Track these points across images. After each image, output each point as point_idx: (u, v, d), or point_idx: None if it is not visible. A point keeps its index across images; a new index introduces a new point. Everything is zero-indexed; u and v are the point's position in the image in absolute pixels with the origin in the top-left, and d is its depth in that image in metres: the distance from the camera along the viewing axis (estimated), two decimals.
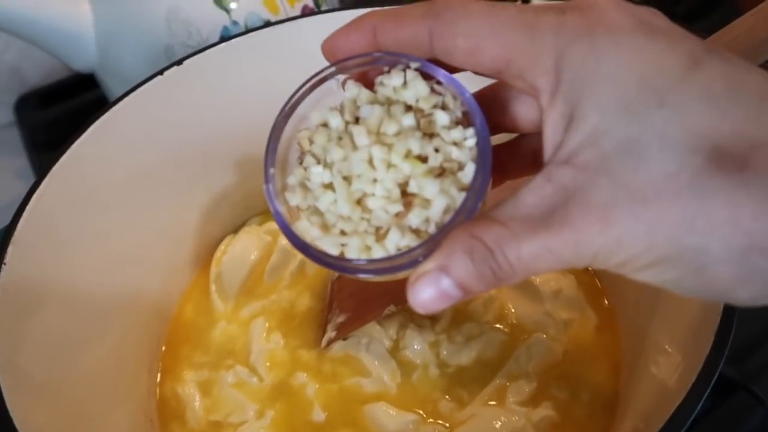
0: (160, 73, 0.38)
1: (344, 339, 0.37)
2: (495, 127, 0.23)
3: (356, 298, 0.38)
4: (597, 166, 0.17)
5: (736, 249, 0.16)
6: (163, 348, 0.40)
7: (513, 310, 0.38)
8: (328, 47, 0.22)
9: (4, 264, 0.29)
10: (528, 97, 0.22)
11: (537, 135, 0.23)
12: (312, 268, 0.42)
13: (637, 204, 0.17)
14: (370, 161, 0.20)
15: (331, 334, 0.37)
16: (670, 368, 0.31)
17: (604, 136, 0.17)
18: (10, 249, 0.30)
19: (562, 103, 0.18)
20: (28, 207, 0.32)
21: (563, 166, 0.18)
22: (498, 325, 0.38)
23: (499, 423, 0.33)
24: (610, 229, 0.17)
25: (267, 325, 0.39)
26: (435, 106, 0.21)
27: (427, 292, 0.19)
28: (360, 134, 0.21)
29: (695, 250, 0.16)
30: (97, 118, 0.35)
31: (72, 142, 0.34)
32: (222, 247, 0.42)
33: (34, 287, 0.32)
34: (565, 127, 0.18)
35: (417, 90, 0.21)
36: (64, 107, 0.59)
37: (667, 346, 0.32)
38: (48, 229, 0.33)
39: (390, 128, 0.20)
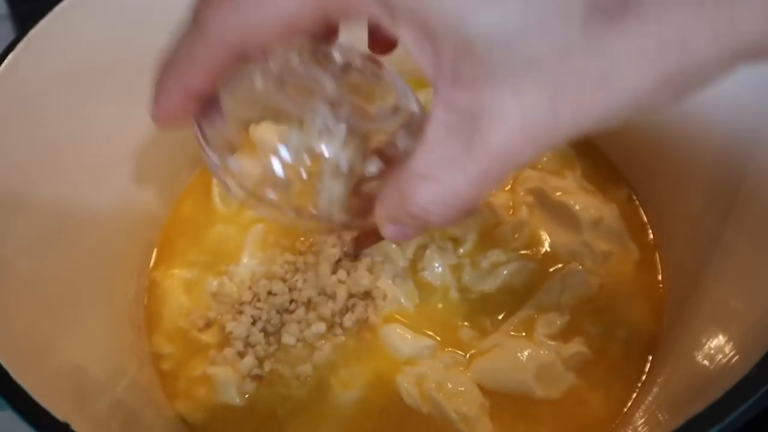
0: None
1: (355, 257, 0.34)
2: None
3: None
4: (489, 73, 0.16)
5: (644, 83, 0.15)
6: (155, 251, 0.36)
7: (546, 238, 0.34)
8: (161, 118, 0.20)
9: None
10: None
11: None
12: None
13: (549, 86, 0.15)
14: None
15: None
16: (730, 321, 0.27)
17: (474, 38, 0.15)
18: None
19: (406, 24, 0.17)
20: None
21: (455, 89, 0.16)
22: (527, 252, 0.34)
23: (525, 355, 0.30)
24: (532, 124, 0.16)
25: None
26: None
27: (388, 230, 0.20)
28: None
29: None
30: None
31: (56, 4, 0.30)
32: None
33: (13, 185, 0.28)
34: (428, 46, 0.16)
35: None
36: None
37: (726, 295, 0.28)
38: (25, 105, 0.29)
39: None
